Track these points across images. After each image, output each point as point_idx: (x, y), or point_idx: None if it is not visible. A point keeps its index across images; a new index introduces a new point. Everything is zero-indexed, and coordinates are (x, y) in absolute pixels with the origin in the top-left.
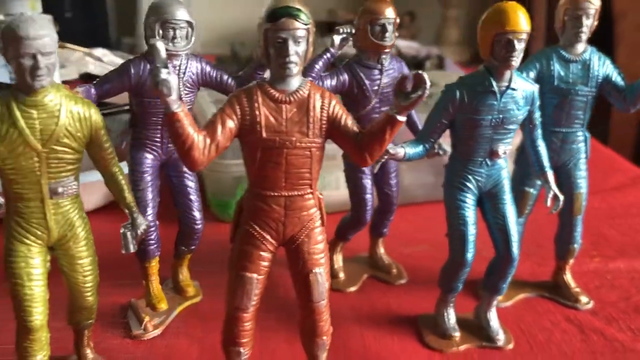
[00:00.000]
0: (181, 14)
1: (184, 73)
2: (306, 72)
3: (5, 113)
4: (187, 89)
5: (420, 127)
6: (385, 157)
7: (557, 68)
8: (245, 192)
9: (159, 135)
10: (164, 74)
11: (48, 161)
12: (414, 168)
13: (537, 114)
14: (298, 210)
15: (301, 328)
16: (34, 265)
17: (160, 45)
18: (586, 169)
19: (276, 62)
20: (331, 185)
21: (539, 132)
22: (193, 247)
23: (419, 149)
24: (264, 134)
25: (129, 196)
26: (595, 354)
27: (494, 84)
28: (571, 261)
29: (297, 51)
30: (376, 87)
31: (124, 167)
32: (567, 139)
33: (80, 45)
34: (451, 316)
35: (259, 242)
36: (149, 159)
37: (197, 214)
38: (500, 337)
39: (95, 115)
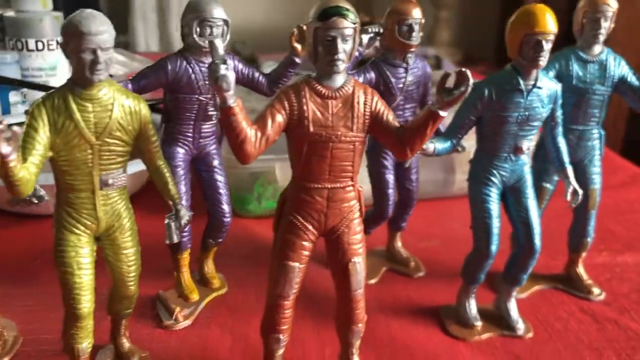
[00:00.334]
0: (218, 13)
1: None
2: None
3: (62, 106)
4: None
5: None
6: (418, 152)
7: (575, 68)
8: (288, 185)
9: (191, 130)
10: (223, 69)
11: (100, 153)
12: (424, 165)
13: (559, 112)
14: (339, 201)
15: (337, 316)
16: (83, 254)
17: (219, 43)
18: (600, 165)
19: (324, 60)
20: None
21: (559, 129)
22: (220, 240)
23: (447, 144)
24: (311, 128)
25: (173, 188)
26: (612, 342)
27: (522, 82)
28: (584, 254)
29: (344, 49)
30: (401, 85)
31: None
32: (584, 136)
33: None
34: (473, 306)
35: (302, 232)
36: (181, 153)
37: (226, 207)
38: (520, 326)
39: (144, 110)
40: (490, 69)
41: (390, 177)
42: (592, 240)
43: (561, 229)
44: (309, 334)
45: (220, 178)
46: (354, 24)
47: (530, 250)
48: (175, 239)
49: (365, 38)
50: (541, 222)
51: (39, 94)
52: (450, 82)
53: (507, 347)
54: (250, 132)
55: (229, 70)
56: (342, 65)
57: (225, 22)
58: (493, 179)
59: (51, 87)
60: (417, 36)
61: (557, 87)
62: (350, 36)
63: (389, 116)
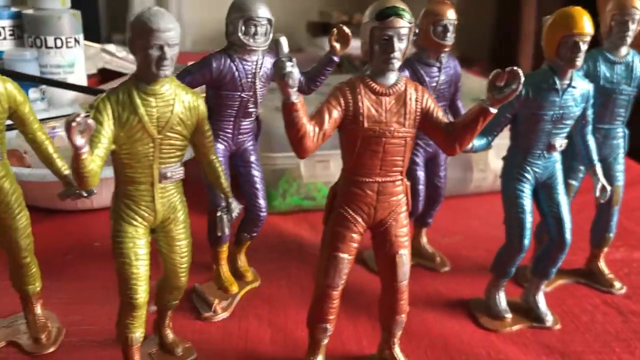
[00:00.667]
0: (263, 12)
1: (260, 68)
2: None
3: (127, 101)
4: (261, 82)
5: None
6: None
7: (602, 69)
8: (339, 179)
9: (231, 127)
10: (289, 66)
11: (161, 147)
12: None
13: (590, 111)
14: (388, 195)
15: (381, 306)
16: (140, 245)
17: (284, 41)
18: (624, 163)
19: (380, 58)
20: None
21: (589, 128)
22: (255, 234)
23: (483, 141)
24: (366, 124)
25: (224, 182)
26: (637, 333)
27: (558, 82)
28: (605, 249)
29: (400, 48)
30: (434, 84)
31: None
32: (609, 134)
33: None
34: (502, 299)
35: (352, 224)
36: (220, 149)
37: (262, 202)
38: (549, 318)
39: (202, 105)
40: (485, 70)
41: (421, 174)
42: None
43: (581, 225)
44: (346, 326)
45: (256, 173)
46: (410, 23)
47: (561, 244)
48: (227, 232)
49: None
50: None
51: (58, 91)
52: (502, 80)
53: (537, 337)
54: (309, 128)
55: (295, 67)
56: (397, 63)
57: (269, 20)
58: (527, 175)
59: (73, 85)
60: (451, 36)
61: (590, 87)
62: (406, 35)
63: (439, 113)
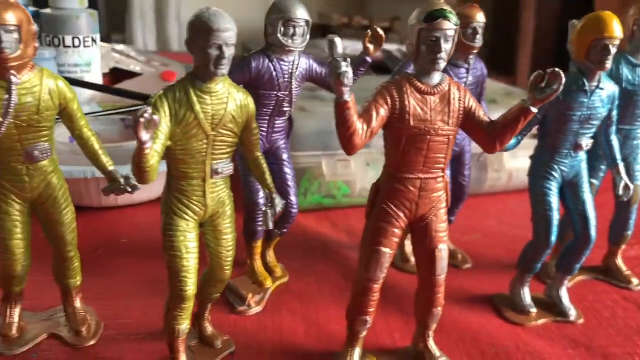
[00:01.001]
0: (301, 13)
1: (297, 68)
2: (404, 68)
3: (184, 98)
4: (297, 82)
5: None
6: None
7: (625, 72)
8: (381, 175)
9: (265, 125)
10: (344, 66)
11: (214, 143)
12: None
13: (615, 112)
14: (430, 191)
15: (417, 300)
16: (191, 239)
17: (338, 41)
18: None
19: (427, 58)
20: None
21: (613, 128)
22: (285, 231)
23: (514, 140)
24: (412, 122)
25: (269, 178)
26: None
27: (587, 83)
28: (623, 247)
29: (446, 49)
30: (462, 85)
31: None
32: (630, 135)
33: None
34: (527, 294)
35: (394, 220)
36: None
37: (294, 199)
38: (573, 313)
39: (252, 104)
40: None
41: (447, 172)
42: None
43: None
44: (378, 320)
45: (288, 171)
46: (456, 25)
47: (586, 240)
48: (271, 226)
49: None
50: None
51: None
52: (543, 81)
53: (562, 331)
54: (359, 125)
55: (349, 67)
56: (443, 64)
57: (307, 22)
58: (554, 174)
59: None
60: (480, 39)
61: (616, 89)
62: (452, 37)
63: (480, 112)
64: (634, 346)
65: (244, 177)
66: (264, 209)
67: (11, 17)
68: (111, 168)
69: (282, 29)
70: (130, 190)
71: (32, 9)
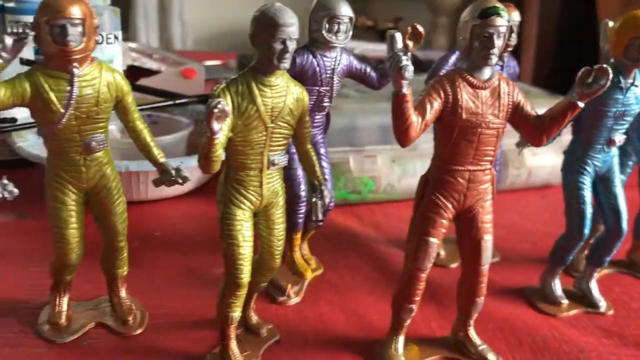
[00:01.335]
0: (345, 10)
1: (338, 64)
2: (442, 64)
3: (246, 91)
4: (338, 78)
5: None
6: (529, 144)
7: None
8: (430, 167)
9: None
10: (405, 60)
11: (272, 135)
12: None
13: None
14: (478, 183)
15: (460, 289)
16: (247, 228)
17: (399, 36)
18: None
19: (480, 54)
20: (410, 173)
21: None
22: (321, 223)
23: None
24: (464, 115)
25: (318, 170)
26: None
27: (622, 80)
28: None
29: (498, 45)
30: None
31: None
32: None
33: None
34: (558, 286)
35: (442, 210)
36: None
37: (331, 193)
38: (603, 304)
39: (306, 98)
40: None
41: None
42: None
43: None
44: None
45: (325, 165)
46: (508, 22)
47: (618, 233)
48: (320, 217)
49: None
50: None
51: None
52: (590, 77)
53: (594, 322)
54: (414, 118)
55: (409, 61)
56: (494, 59)
57: (350, 19)
58: (588, 168)
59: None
60: (515, 37)
61: None
62: (503, 33)
63: (528, 106)
64: None
65: (286, 170)
66: (313, 199)
67: (77, 11)
68: (162, 160)
69: (327, 25)
70: (181, 181)
71: None
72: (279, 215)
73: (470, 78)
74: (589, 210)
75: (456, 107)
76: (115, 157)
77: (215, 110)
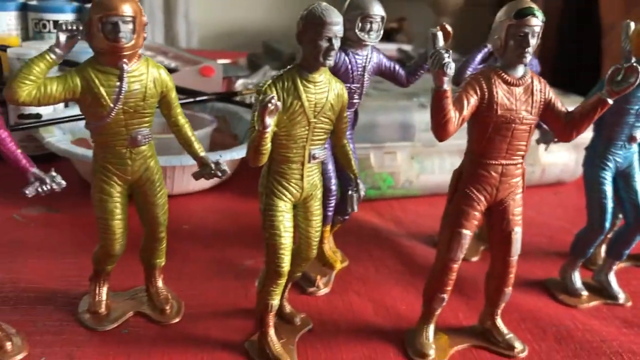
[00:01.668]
0: (378, 10)
1: (369, 62)
2: (468, 63)
3: (291, 87)
4: (368, 75)
5: None
6: (556, 139)
7: None
8: (463, 162)
9: None
10: (447, 57)
11: (314, 130)
12: None
13: None
14: (510, 177)
15: (489, 279)
16: (288, 219)
17: (440, 34)
18: None
19: (515, 52)
20: (428, 170)
21: None
22: (347, 217)
23: None
24: (499, 111)
25: (354, 164)
26: None
27: None
28: None
29: (533, 44)
30: None
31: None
32: None
33: None
34: (577, 278)
35: (475, 203)
36: None
37: None
38: (622, 296)
39: (345, 94)
40: None
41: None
42: None
43: None
44: None
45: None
46: (542, 22)
47: (637, 227)
48: (356, 209)
49: None
50: None
51: None
52: (619, 75)
53: (614, 313)
54: (452, 114)
55: (450, 58)
56: (529, 57)
57: (382, 18)
58: (609, 164)
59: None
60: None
61: None
62: (537, 33)
63: (558, 103)
64: None
65: None
66: (349, 192)
67: (128, 9)
68: (202, 154)
69: (360, 24)
70: (220, 174)
71: (75, 3)
72: (316, 207)
73: (505, 75)
74: (610, 204)
75: (492, 103)
76: None
77: (270, 105)
